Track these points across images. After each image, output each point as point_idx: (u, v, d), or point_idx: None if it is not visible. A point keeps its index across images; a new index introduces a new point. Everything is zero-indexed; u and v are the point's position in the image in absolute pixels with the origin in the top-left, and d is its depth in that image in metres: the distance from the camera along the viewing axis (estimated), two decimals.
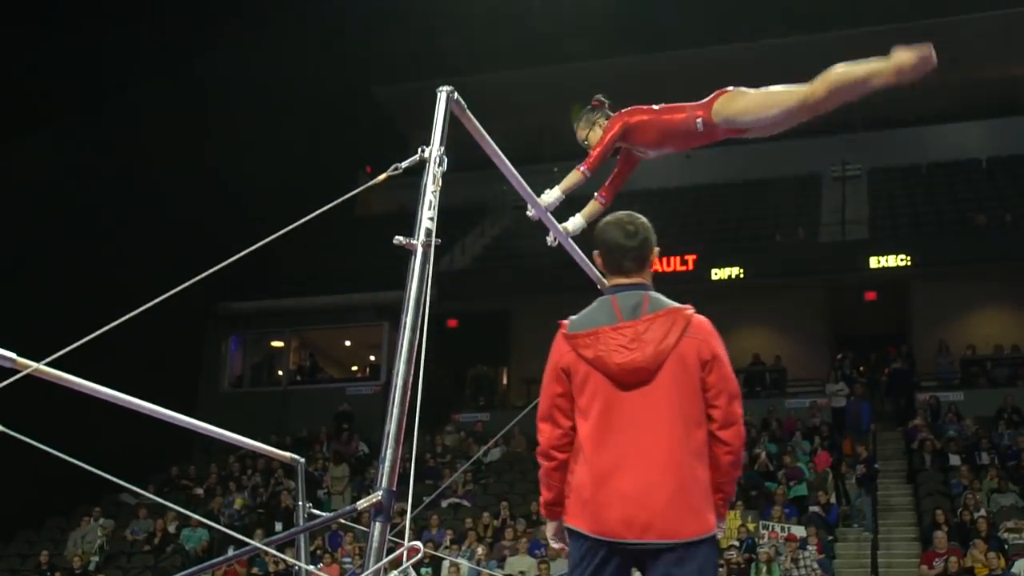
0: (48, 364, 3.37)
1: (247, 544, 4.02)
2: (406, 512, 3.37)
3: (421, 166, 3.42)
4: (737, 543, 16.14)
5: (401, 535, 3.43)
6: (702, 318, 3.66)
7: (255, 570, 17.32)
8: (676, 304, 3.64)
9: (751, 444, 19.74)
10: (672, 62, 28.24)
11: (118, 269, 19.84)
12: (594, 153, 5.36)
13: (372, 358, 26.69)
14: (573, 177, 5.37)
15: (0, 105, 19.88)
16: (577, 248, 5.26)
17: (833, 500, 17.86)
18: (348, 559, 16.60)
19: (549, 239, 5.35)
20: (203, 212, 22.44)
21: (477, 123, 3.82)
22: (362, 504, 3.11)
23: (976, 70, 28.16)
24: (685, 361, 3.54)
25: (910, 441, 19.65)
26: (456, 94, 3.58)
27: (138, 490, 5.29)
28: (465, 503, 19.45)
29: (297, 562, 6.13)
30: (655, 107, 5.51)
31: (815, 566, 15.57)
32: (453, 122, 3.65)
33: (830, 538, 16.83)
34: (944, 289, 23.23)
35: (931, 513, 16.58)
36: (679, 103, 5.53)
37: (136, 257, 20.54)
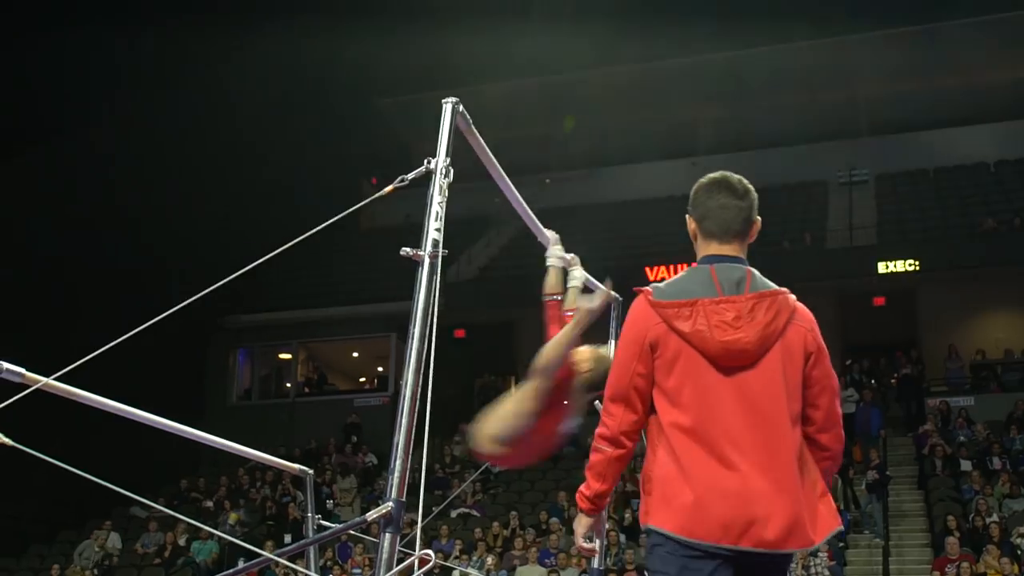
0: (57, 379, 3.39)
1: (258, 556, 4.02)
2: (416, 522, 3.38)
3: (427, 178, 3.43)
4: None
5: (411, 545, 3.44)
6: (804, 307, 3.32)
7: None
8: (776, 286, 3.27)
9: None
10: (671, 70, 28.32)
11: (125, 283, 19.90)
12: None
13: (380, 369, 26.68)
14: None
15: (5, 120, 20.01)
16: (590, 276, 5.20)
17: (843, 507, 17.81)
18: (358, 570, 16.60)
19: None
20: (207, 224, 22.50)
21: (480, 138, 3.83)
22: (372, 515, 3.12)
23: (982, 74, 28.18)
24: (791, 349, 3.18)
25: (920, 447, 19.60)
26: (461, 106, 3.59)
27: (148, 503, 5.30)
28: (474, 513, 19.43)
29: (308, 573, 6.13)
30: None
31: (827, 573, 15.52)
32: (456, 132, 3.66)
33: (841, 544, 16.77)
34: (953, 294, 23.17)
35: (943, 519, 16.51)
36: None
37: (143, 270, 20.60)
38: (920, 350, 23.11)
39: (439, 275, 3.34)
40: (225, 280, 3.72)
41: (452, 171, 3.41)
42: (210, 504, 20.82)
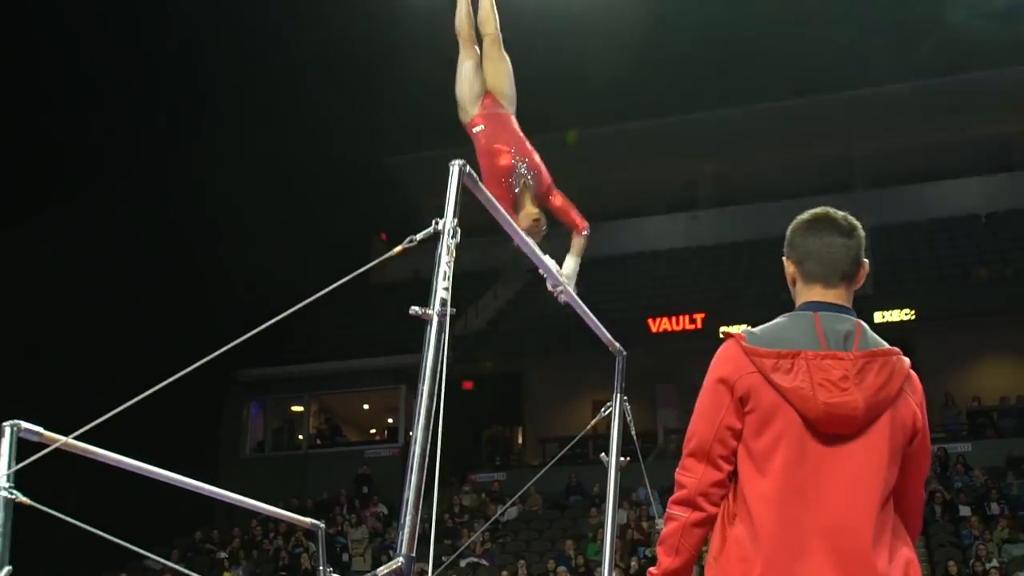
0: (76, 438, 3.38)
1: None
2: (426, 572, 3.35)
3: (435, 237, 3.43)
4: None
5: None
6: (915, 375, 2.80)
7: None
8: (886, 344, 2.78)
9: None
10: (673, 127, 28.48)
11: (141, 338, 19.93)
12: (573, 211, 5.65)
13: (390, 420, 26.60)
14: (580, 243, 5.41)
15: (19, 181, 20.17)
16: (582, 303, 5.23)
17: None
18: None
19: (562, 298, 5.36)
20: (224, 279, 22.56)
21: (488, 193, 3.84)
22: (382, 571, 3.09)
23: (972, 128, 28.32)
24: (900, 423, 2.69)
25: None
26: (468, 167, 3.60)
27: (158, 559, 5.26)
28: (483, 562, 19.27)
29: None
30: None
31: None
32: (465, 188, 3.66)
33: None
34: (948, 342, 23.10)
35: (943, 564, 16.35)
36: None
37: (159, 325, 20.63)
38: None
39: (446, 331, 3.33)
40: (240, 339, 3.71)
41: (459, 231, 3.42)
42: (224, 555, 20.68)
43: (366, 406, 27.72)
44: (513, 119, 5.69)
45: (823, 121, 28.02)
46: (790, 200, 28.42)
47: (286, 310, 3.71)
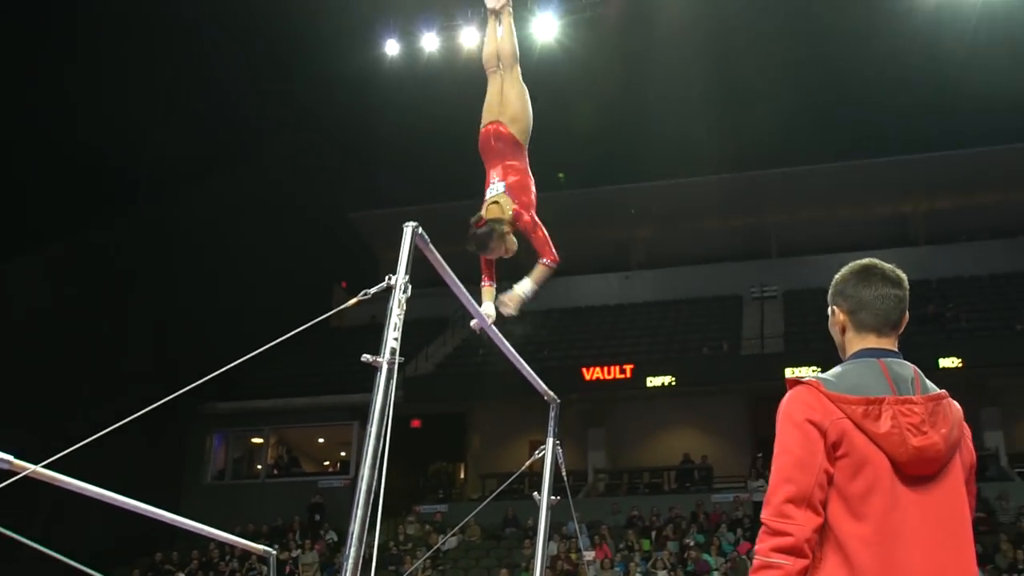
0: (44, 466, 3.30)
1: None
2: None
3: (388, 291, 3.42)
4: None
5: None
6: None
7: None
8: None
9: (681, 535, 19.58)
10: (608, 196, 28.80)
11: (116, 375, 19.62)
12: (546, 242, 5.33)
13: (343, 454, 26.33)
14: (543, 272, 5.30)
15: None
16: (520, 358, 5.19)
17: None
18: None
19: (473, 324, 5.26)
20: (195, 319, 22.37)
21: (437, 254, 3.84)
22: None
23: (872, 207, 28.98)
24: (965, 462, 2.62)
25: None
26: (420, 229, 3.60)
27: None
28: None
29: None
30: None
31: None
32: (416, 249, 3.66)
33: None
34: None
35: None
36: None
37: (132, 363, 20.33)
38: None
39: (396, 375, 3.31)
40: (210, 376, 3.67)
41: (410, 287, 3.41)
42: None
43: (321, 440, 27.43)
44: (511, 143, 5.65)
45: (742, 195, 28.52)
46: (713, 264, 28.91)
47: (252, 350, 3.68)
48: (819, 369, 16.80)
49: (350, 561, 3.06)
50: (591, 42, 23.76)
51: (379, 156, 27.81)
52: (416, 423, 24.08)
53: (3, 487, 3.07)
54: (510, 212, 5.32)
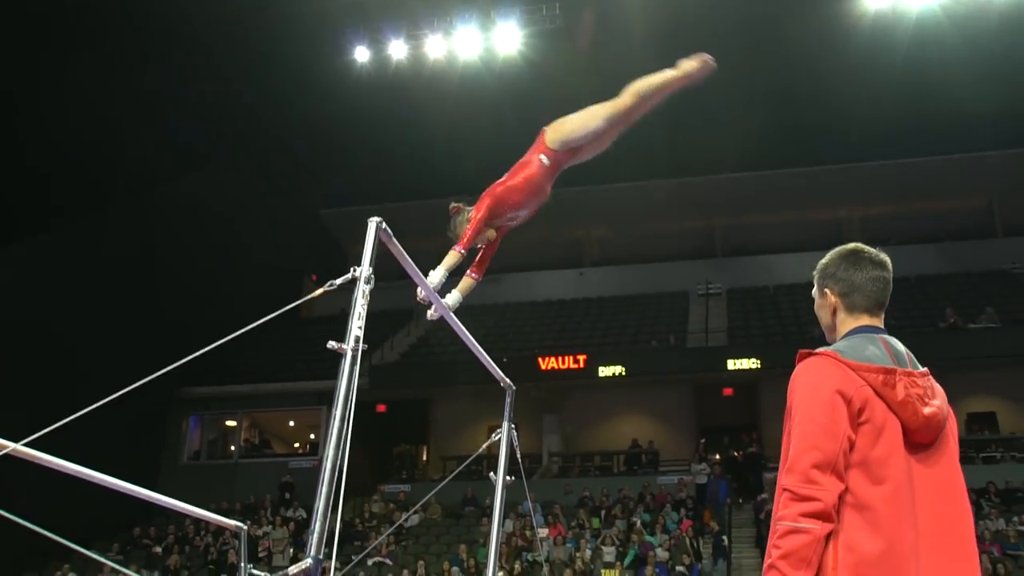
0: (26, 444, 3.28)
1: None
2: (337, 569, 3.31)
3: (353, 283, 3.43)
4: None
5: None
6: None
7: None
8: None
9: (629, 513, 19.72)
10: (567, 197, 28.85)
11: (92, 358, 19.40)
12: (467, 233, 4.93)
13: (312, 436, 26.22)
14: (452, 257, 4.92)
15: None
16: (459, 321, 5.08)
17: (696, 561, 17.83)
18: None
19: (430, 312, 5.00)
20: (171, 308, 22.18)
21: (400, 246, 3.85)
22: (293, 570, 3.05)
23: (811, 211, 29.29)
24: (954, 433, 2.64)
25: (758, 512, 19.79)
26: (384, 223, 3.61)
27: (97, 556, 5.11)
28: (388, 562, 19.01)
29: None
30: (504, 177, 5.15)
31: None
32: (380, 244, 3.66)
33: None
34: (786, 387, 23.60)
35: None
36: (516, 164, 5.22)
37: (109, 347, 20.10)
38: (760, 432, 23.46)
39: (360, 363, 3.32)
40: (183, 360, 3.67)
41: (374, 279, 3.42)
42: (159, 549, 20.08)
43: (291, 423, 27.28)
44: (537, 138, 5.28)
45: (692, 198, 28.71)
46: (663, 263, 29.09)
47: (224, 337, 3.68)
48: (759, 362, 16.86)
49: (315, 536, 3.07)
50: (551, 52, 23.84)
51: (349, 157, 27.72)
52: (381, 408, 24.05)
53: None
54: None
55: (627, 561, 17.73)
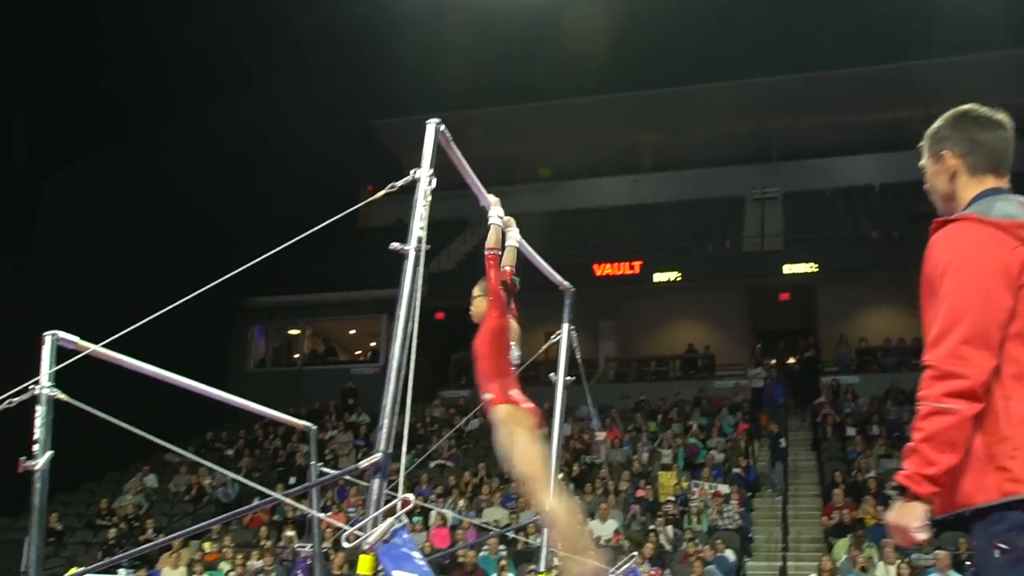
0: (104, 346, 3.38)
1: (269, 496, 4.03)
2: (400, 471, 3.39)
3: (413, 186, 3.43)
4: (673, 498, 16.22)
5: (396, 490, 3.46)
6: None
7: (275, 517, 17.29)
8: None
9: (685, 417, 19.84)
10: (620, 102, 28.34)
11: (164, 269, 19.82)
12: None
13: (373, 344, 26.63)
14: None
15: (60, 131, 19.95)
16: (533, 251, 5.10)
17: (752, 464, 17.95)
18: (352, 509, 16.58)
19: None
20: (236, 222, 22.49)
21: (458, 151, 3.84)
22: (364, 463, 3.14)
23: (868, 113, 28.45)
24: None
25: (815, 416, 19.80)
26: (443, 126, 3.60)
27: (179, 450, 5.28)
28: (449, 464, 19.44)
29: (310, 511, 6.13)
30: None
31: (736, 517, 15.67)
32: (440, 149, 3.65)
33: (749, 494, 16.92)
34: (844, 292, 23.38)
35: (831, 474, 16.70)
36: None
37: (182, 259, 20.55)
38: (816, 337, 23.31)
39: (422, 266, 3.34)
40: (246, 266, 3.73)
41: (435, 180, 3.42)
42: (231, 452, 20.74)
43: (353, 331, 27.72)
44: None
45: (746, 102, 28.03)
46: (717, 168, 28.62)
47: (288, 251, 3.73)
48: (816, 265, 16.58)
49: (384, 433, 3.15)
50: None
51: (401, 65, 27.40)
52: (440, 315, 24.28)
53: (73, 364, 3.15)
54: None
55: (682, 463, 17.91)
